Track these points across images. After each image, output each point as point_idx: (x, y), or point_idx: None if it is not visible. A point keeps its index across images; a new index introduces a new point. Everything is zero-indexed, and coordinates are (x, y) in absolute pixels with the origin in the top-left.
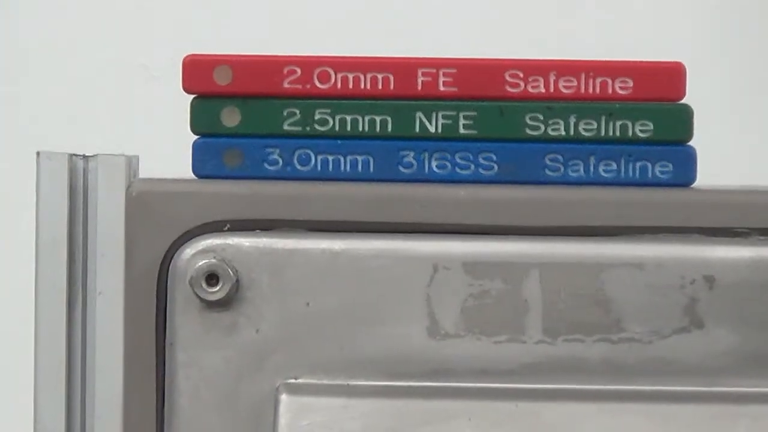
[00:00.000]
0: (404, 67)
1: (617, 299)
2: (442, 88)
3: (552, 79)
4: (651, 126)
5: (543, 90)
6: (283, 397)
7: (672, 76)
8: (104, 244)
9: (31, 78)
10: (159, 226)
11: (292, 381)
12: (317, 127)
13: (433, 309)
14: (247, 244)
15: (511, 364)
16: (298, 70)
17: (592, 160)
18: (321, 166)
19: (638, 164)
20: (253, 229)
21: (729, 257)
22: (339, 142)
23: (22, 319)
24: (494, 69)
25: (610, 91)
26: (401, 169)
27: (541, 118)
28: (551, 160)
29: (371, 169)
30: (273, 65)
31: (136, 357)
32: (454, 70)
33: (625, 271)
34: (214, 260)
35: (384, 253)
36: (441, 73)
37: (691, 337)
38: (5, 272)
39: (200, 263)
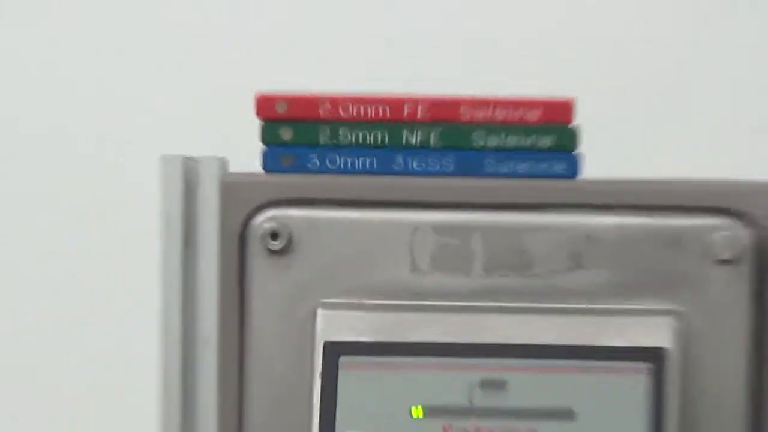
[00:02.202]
0: (395, 102)
1: (530, 250)
2: (419, 115)
3: (491, 109)
4: (552, 140)
5: (483, 117)
6: (320, 311)
7: (565, 108)
8: (206, 216)
9: (152, 89)
10: (241, 203)
11: (326, 301)
12: (341, 140)
13: (414, 255)
14: (296, 214)
15: (463, 289)
16: (329, 104)
17: (515, 161)
18: (343, 165)
19: (544, 164)
20: (300, 205)
21: (601, 222)
22: (354, 149)
23: (142, 266)
24: (453, 103)
25: (528, 117)
26: (394, 167)
27: (483, 134)
28: (488, 161)
29: (375, 167)
30: (313, 100)
31: (227, 291)
32: (428, 104)
33: (535, 232)
34: (275, 224)
35: (383, 220)
36: (419, 105)
37: (576, 273)
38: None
39: (267, 226)
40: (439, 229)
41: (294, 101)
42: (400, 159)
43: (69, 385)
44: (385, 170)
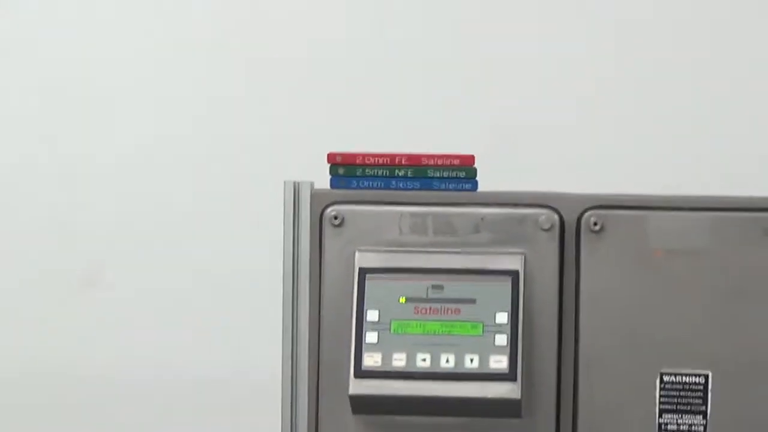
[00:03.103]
0: (390, 156)
1: (455, 223)
2: (403, 162)
3: (433, 160)
4: (464, 173)
5: (431, 163)
6: (357, 253)
7: (470, 158)
8: (305, 210)
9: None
10: (321, 202)
11: (360, 248)
12: (365, 173)
13: (401, 227)
14: (345, 207)
15: (424, 242)
16: (360, 158)
17: (446, 183)
18: (366, 186)
19: (464, 185)
20: (347, 203)
21: (491, 211)
22: (371, 178)
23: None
24: (418, 156)
25: (451, 163)
26: (391, 185)
27: (433, 170)
28: (435, 182)
29: (381, 186)
30: (352, 156)
31: (314, 246)
32: (406, 156)
33: (459, 215)
34: (335, 212)
35: (385, 211)
36: (402, 157)
37: (478, 235)
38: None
39: (331, 213)
40: (413, 214)
41: (344, 156)
42: (393, 183)
43: None
44: (387, 187)
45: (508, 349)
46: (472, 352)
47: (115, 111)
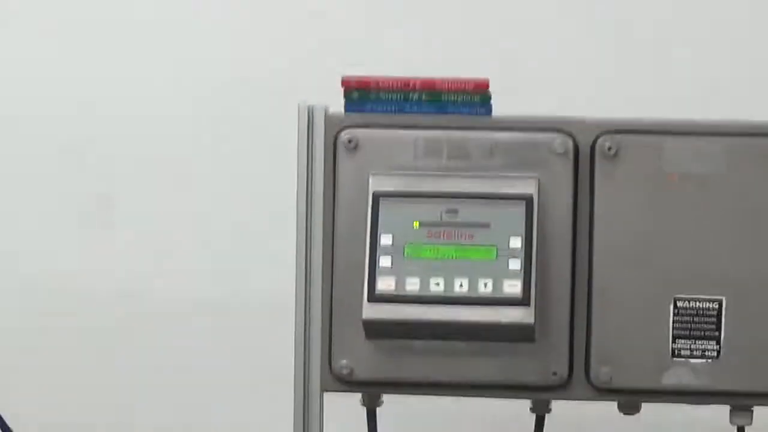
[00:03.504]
0: (425, 82)
1: (469, 147)
2: (437, 87)
3: (447, 84)
4: (479, 97)
5: (445, 88)
6: (371, 177)
7: (482, 83)
8: (319, 133)
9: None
10: (335, 126)
11: (373, 171)
12: (380, 97)
13: (416, 151)
14: (360, 131)
15: (438, 165)
16: (386, 83)
17: (460, 107)
18: (378, 110)
19: (478, 109)
20: (361, 127)
21: (505, 136)
22: (384, 102)
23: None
24: (432, 81)
25: (466, 87)
26: (405, 109)
27: (449, 95)
28: (451, 108)
29: (394, 111)
30: (366, 81)
31: (327, 167)
32: (420, 82)
33: (473, 139)
34: (350, 136)
35: (396, 135)
36: (416, 82)
37: (491, 159)
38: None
39: (346, 137)
40: (427, 138)
41: (358, 81)
42: (407, 107)
43: None
44: (401, 111)
45: (521, 274)
46: (486, 276)
47: (134, 36)
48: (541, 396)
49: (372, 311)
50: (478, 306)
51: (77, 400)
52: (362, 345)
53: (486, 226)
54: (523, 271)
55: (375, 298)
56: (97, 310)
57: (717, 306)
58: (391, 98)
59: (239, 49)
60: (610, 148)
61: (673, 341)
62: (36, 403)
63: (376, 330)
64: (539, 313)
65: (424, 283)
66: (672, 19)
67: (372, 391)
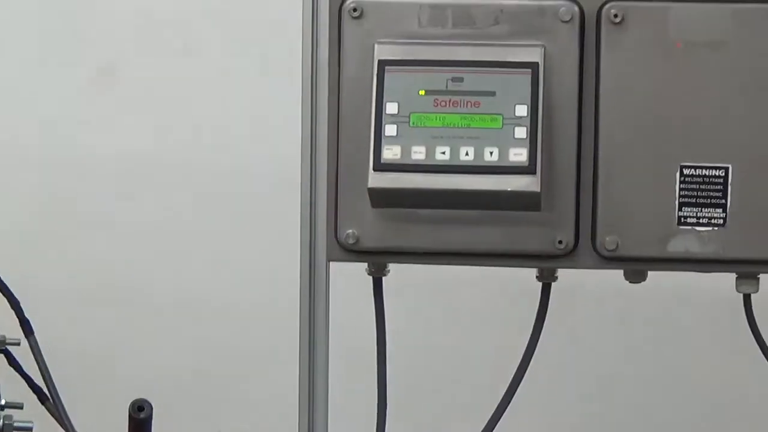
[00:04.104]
0: None
1: (478, 19)
2: None
3: None
4: None
5: None
6: (376, 45)
7: None
8: (324, 2)
9: None
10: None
11: (379, 40)
12: None
13: (420, 18)
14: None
15: (445, 33)
16: None
17: None
18: None
19: None
20: None
21: (510, 3)
22: None
23: None
24: None
25: None
26: None
27: None
28: None
29: None
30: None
31: (333, 32)
32: None
33: (482, 8)
34: (355, 5)
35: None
36: None
37: (497, 27)
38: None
39: (351, 5)
40: (432, 5)
41: None
42: None
43: None
44: None
45: (527, 142)
46: (492, 144)
47: None
48: (547, 264)
49: (377, 180)
50: (484, 174)
51: None
52: (368, 214)
53: (492, 94)
54: (529, 139)
55: (380, 166)
56: None
57: (723, 173)
58: None
59: None
60: (616, 15)
61: (679, 209)
62: None
63: (381, 199)
64: (545, 182)
65: (430, 152)
66: None
67: (378, 260)
